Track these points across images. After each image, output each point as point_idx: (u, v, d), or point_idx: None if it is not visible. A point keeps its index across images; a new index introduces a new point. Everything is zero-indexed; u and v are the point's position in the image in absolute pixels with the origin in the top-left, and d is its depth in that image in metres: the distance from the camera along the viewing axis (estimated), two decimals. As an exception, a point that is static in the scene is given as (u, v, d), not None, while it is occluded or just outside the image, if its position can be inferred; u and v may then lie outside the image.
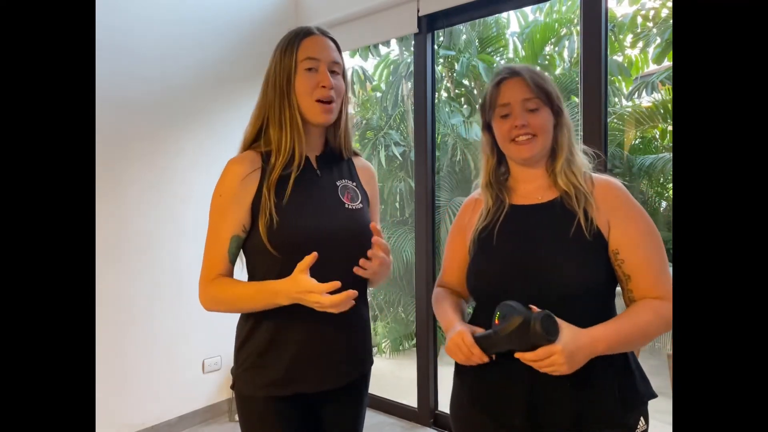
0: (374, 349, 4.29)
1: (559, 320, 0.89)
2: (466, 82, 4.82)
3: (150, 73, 2.51)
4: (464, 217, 1.17)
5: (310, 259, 0.97)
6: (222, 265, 1.07)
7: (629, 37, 4.39)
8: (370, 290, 1.36)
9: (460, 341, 0.96)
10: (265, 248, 1.03)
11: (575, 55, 4.42)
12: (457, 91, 4.87)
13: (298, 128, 1.07)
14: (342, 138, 1.16)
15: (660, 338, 3.34)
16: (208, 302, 1.07)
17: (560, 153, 1.05)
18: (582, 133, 1.98)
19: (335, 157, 1.18)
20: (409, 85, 4.64)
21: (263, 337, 1.07)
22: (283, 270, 1.01)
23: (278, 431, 1.06)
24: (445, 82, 4.83)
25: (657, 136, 4.52)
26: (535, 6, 4.37)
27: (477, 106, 4.61)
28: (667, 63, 4.15)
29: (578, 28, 2.70)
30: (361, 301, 1.13)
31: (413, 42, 2.63)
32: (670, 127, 4.24)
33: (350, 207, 1.13)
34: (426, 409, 2.63)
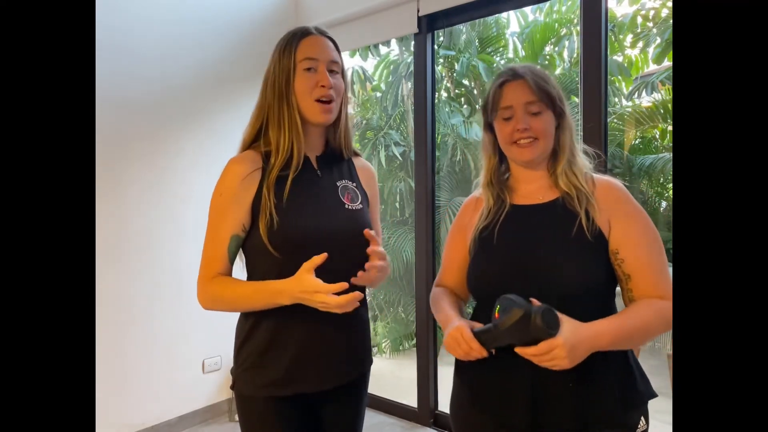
0: (374, 349, 4.30)
1: (559, 314, 0.88)
2: (466, 82, 4.82)
3: (150, 73, 2.51)
4: (465, 216, 1.17)
5: (319, 259, 0.97)
6: (221, 265, 1.07)
7: (629, 37, 4.39)
8: (369, 290, 1.36)
9: (458, 336, 0.95)
10: (265, 248, 1.03)
11: (575, 55, 4.43)
12: (457, 91, 4.87)
13: (297, 128, 1.08)
14: (342, 137, 1.17)
15: (660, 338, 3.34)
16: (206, 301, 1.07)
17: (562, 154, 1.05)
18: (582, 133, 1.98)
19: (336, 158, 1.18)
20: (409, 85, 4.64)
21: (263, 337, 1.07)
22: (283, 270, 1.01)
23: (278, 431, 1.06)
24: (445, 82, 4.83)
25: (657, 136, 4.52)
26: (535, 6, 4.37)
27: (478, 106, 4.63)
28: (667, 63, 4.15)
29: (578, 28, 2.70)
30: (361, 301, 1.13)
31: (413, 42, 2.63)
32: (670, 127, 4.24)
33: (350, 207, 1.13)
34: (426, 409, 2.63)
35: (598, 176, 1.07)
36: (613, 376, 0.97)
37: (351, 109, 4.64)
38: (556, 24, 4.51)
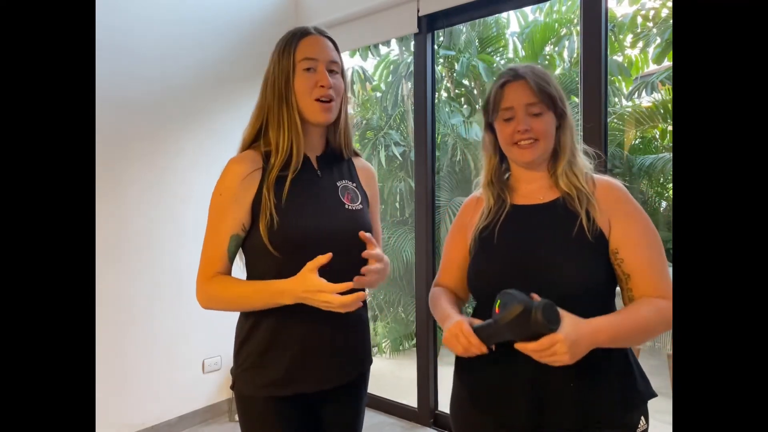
0: (374, 349, 4.30)
1: (560, 310, 0.87)
2: (466, 82, 4.82)
3: (150, 73, 2.51)
4: (465, 216, 1.17)
5: (324, 259, 0.97)
6: (221, 264, 1.07)
7: (629, 37, 4.39)
8: (369, 290, 1.36)
9: (457, 331, 0.94)
10: (265, 248, 1.03)
11: (575, 55, 4.43)
12: (457, 91, 4.87)
13: (296, 129, 1.08)
14: (342, 137, 1.17)
15: (660, 338, 3.34)
16: (206, 300, 1.07)
17: (562, 155, 1.05)
18: (582, 133, 1.98)
19: (336, 158, 1.18)
20: (409, 85, 4.64)
21: (263, 337, 1.07)
22: (283, 270, 1.01)
23: (278, 431, 1.06)
24: (445, 82, 4.83)
25: (657, 136, 4.52)
26: (535, 6, 4.37)
27: (478, 106, 4.63)
28: (667, 63, 4.15)
29: (578, 28, 2.70)
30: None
31: (413, 42, 2.63)
32: (670, 127, 4.24)
33: (350, 208, 1.13)
34: (426, 409, 2.64)
35: (598, 176, 1.07)
36: (614, 376, 0.97)
37: (351, 109, 4.64)
38: (556, 24, 4.51)
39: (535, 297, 0.88)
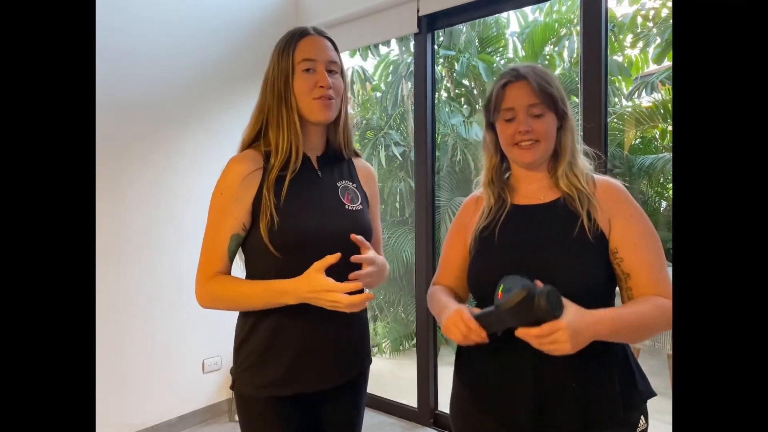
0: (374, 349, 4.30)
1: (563, 298, 0.86)
2: (466, 82, 4.82)
3: (150, 73, 2.51)
4: (465, 215, 1.17)
5: (332, 259, 0.97)
6: (221, 263, 1.07)
7: (629, 37, 4.40)
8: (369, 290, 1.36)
9: (457, 318, 0.93)
10: (265, 247, 1.03)
11: (575, 55, 4.43)
12: (457, 91, 4.87)
13: (295, 129, 1.08)
14: (342, 136, 1.17)
15: (660, 338, 3.34)
16: (206, 300, 1.07)
17: (563, 156, 1.05)
18: (582, 133, 1.98)
19: (336, 158, 1.18)
20: (409, 85, 4.64)
21: (263, 337, 1.07)
22: (283, 269, 1.02)
23: (278, 431, 1.06)
24: (445, 82, 4.83)
25: (657, 136, 4.52)
26: (535, 6, 4.37)
27: (478, 106, 4.63)
28: (667, 63, 4.16)
29: (578, 28, 2.70)
30: None
31: (413, 42, 2.63)
32: (670, 127, 4.24)
33: (350, 208, 1.13)
34: (426, 409, 2.64)
35: (598, 176, 1.07)
36: (614, 376, 0.97)
37: (351, 109, 4.64)
38: (556, 24, 4.51)
39: (539, 284, 0.87)
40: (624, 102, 4.64)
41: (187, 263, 2.54)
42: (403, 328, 4.45)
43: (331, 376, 1.09)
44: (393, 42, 4.68)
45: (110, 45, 2.33)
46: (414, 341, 3.63)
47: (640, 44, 4.37)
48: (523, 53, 4.68)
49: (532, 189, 1.09)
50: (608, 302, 1.01)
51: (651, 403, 1.01)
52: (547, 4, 4.51)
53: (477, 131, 4.36)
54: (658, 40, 4.17)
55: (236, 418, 2.60)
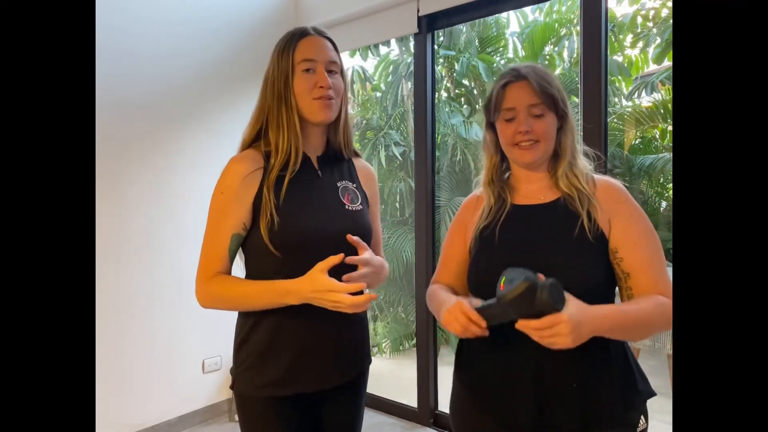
0: (374, 349, 4.30)
1: (565, 292, 0.85)
2: (466, 82, 4.82)
3: (150, 73, 2.51)
4: (465, 215, 1.17)
5: (336, 259, 0.97)
6: (221, 263, 1.07)
7: (629, 37, 4.40)
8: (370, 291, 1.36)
9: (457, 310, 0.92)
10: (265, 247, 1.03)
11: (575, 55, 4.43)
12: (457, 91, 4.87)
13: (295, 129, 1.08)
14: (342, 136, 1.17)
15: (660, 338, 3.34)
16: (206, 300, 1.07)
17: (563, 156, 1.05)
18: (582, 133, 1.98)
19: (336, 158, 1.18)
20: (409, 85, 4.64)
21: (263, 337, 1.07)
22: (283, 269, 1.02)
23: (278, 431, 1.06)
24: (445, 82, 4.83)
25: (657, 136, 4.52)
26: (535, 6, 4.37)
27: (478, 106, 4.63)
28: (667, 63, 4.16)
29: (578, 28, 2.70)
30: None
31: (413, 42, 2.63)
32: (670, 127, 4.24)
33: (350, 208, 1.13)
34: (426, 409, 2.64)
35: (598, 177, 1.07)
36: (614, 376, 0.97)
37: (351, 109, 4.64)
38: (556, 24, 4.51)
39: (541, 277, 0.87)
40: (624, 102, 4.64)
41: (187, 263, 2.54)
42: (403, 328, 4.45)
43: (331, 376, 1.09)
44: (393, 42, 4.68)
45: (110, 45, 2.33)
46: (414, 341, 3.63)
47: (640, 44, 4.37)
48: (523, 53, 4.68)
49: (532, 189, 1.09)
50: (608, 302, 1.01)
51: (651, 403, 1.01)
52: (547, 4, 4.51)
53: (477, 131, 4.36)
54: (658, 40, 4.17)
55: (236, 418, 2.60)
